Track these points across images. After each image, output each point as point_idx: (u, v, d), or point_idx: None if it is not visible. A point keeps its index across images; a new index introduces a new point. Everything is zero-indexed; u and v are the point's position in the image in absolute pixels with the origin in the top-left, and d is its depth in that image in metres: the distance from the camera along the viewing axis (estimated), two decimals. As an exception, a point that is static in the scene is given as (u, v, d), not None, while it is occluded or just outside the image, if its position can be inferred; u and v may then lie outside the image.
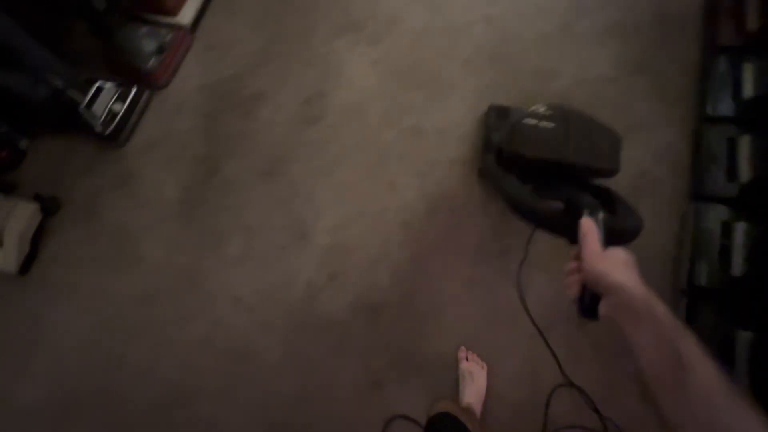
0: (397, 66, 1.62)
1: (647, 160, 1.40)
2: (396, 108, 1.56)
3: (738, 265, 1.14)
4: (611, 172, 0.90)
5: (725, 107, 1.34)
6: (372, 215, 1.42)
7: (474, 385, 1.20)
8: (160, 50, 1.63)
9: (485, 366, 1.24)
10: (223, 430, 1.25)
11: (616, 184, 1.38)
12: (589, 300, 0.47)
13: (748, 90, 1.31)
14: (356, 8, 1.73)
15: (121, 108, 1.54)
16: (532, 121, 0.80)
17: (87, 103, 1.50)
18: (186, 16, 1.70)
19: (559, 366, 1.23)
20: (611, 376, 1.22)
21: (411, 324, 1.29)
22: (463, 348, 1.24)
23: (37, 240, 1.45)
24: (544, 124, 0.80)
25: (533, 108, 0.86)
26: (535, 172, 0.82)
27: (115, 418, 1.27)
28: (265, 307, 1.35)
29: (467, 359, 1.23)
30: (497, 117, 1.41)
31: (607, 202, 0.80)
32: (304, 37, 1.71)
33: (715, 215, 1.22)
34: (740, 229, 1.17)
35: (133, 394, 1.29)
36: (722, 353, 1.09)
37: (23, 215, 1.41)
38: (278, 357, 1.30)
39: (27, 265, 1.42)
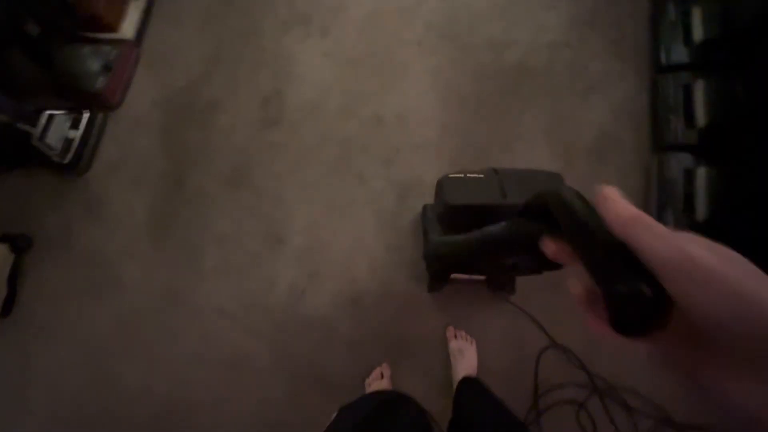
0: (349, 55, 1.60)
1: (607, 119, 1.41)
2: (353, 99, 1.54)
3: (702, 210, 1.16)
4: None
5: (678, 54, 1.35)
6: (343, 209, 1.42)
7: (465, 360, 1.23)
8: (107, 69, 1.58)
9: (474, 341, 1.27)
10: (225, 438, 1.28)
11: (580, 145, 1.40)
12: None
13: (697, 34, 1.31)
14: (301, 0, 1.69)
15: (77, 134, 1.51)
16: (458, 175, 0.72)
17: (40, 135, 1.47)
18: (128, 30, 1.65)
19: (544, 330, 1.26)
20: (593, 334, 1.26)
21: (395, 310, 1.31)
22: (450, 327, 1.27)
23: (14, 280, 1.43)
24: (472, 176, 0.71)
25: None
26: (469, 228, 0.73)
27: (118, 440, 1.30)
28: (249, 314, 1.37)
29: (456, 337, 1.26)
30: (434, 215, 1.30)
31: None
32: (252, 37, 1.67)
33: (677, 164, 1.24)
34: (701, 174, 1.19)
35: (131, 414, 1.31)
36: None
37: (-6, 257, 1.39)
38: (268, 361, 1.32)
39: (8, 306, 1.41)
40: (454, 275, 1.13)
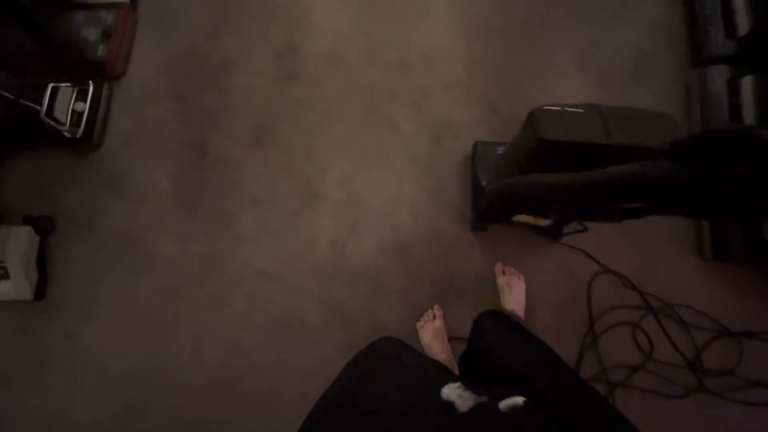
0: (364, -2, 1.51)
1: (642, 38, 1.36)
2: (374, 44, 1.47)
3: (750, 118, 1.14)
4: None
5: (712, -37, 1.29)
6: (377, 158, 1.38)
7: (513, 294, 1.23)
8: (106, 35, 1.48)
9: (522, 276, 1.26)
10: (283, 397, 1.28)
11: (615, 68, 1.36)
12: None
13: (733, -62, 1.25)
14: (304, -56, 1.58)
15: (85, 107, 1.42)
16: (554, 107, 0.63)
17: (47, 110, 1.38)
18: (122, -9, 1.53)
19: (593, 258, 1.26)
20: (642, 256, 1.26)
21: (442, 254, 1.30)
22: (499, 263, 1.26)
23: (44, 262, 1.38)
24: (570, 110, 0.62)
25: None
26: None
27: (176, 411, 1.29)
28: (294, 273, 1.34)
29: (504, 273, 1.25)
30: (485, 154, 1.20)
31: None
32: (257, -12, 1.57)
33: (720, 76, 1.21)
34: (747, 83, 1.16)
35: (186, 386, 1.30)
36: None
37: (20, 241, 1.33)
38: (319, 317, 1.31)
39: (41, 289, 1.36)
40: (516, 218, 1.07)
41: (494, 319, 0.83)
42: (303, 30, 1.50)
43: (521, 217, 1.03)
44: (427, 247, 1.32)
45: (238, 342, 1.32)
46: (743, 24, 1.19)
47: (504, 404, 0.38)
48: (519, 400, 0.37)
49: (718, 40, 1.23)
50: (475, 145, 1.25)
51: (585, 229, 1.17)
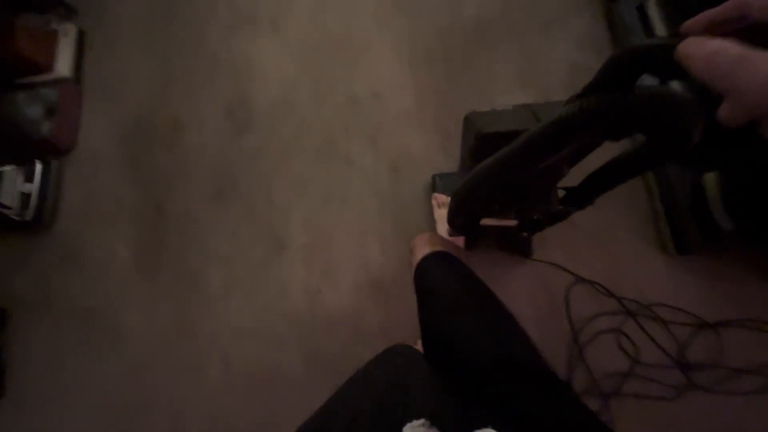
0: (306, 44, 1.54)
1: (572, 51, 1.42)
2: (322, 86, 1.49)
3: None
4: None
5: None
6: (339, 197, 1.37)
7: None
8: (51, 113, 1.45)
9: None
10: (275, 460, 1.21)
11: (554, 82, 1.41)
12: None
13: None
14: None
15: (33, 188, 1.38)
16: (485, 110, 0.68)
17: (-9, 195, 1.34)
18: (63, 67, 1.53)
19: (566, 270, 1.26)
20: (611, 261, 1.27)
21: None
22: (435, 195, 1.27)
23: (0, 356, 1.30)
24: (501, 109, 0.67)
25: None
26: None
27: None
28: (269, 327, 1.29)
29: (439, 206, 1.25)
30: (444, 184, 1.29)
31: None
32: (199, 47, 1.58)
33: (652, 83, 1.26)
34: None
35: (170, 465, 1.22)
36: (696, 197, 1.15)
37: (-29, 338, 1.25)
38: (302, 369, 1.26)
39: (-1, 386, 1.28)
40: (483, 221, 1.06)
41: (435, 260, 0.80)
42: (249, 81, 1.51)
43: (487, 220, 1.02)
44: (403, 280, 1.30)
45: (221, 408, 1.25)
46: (661, 33, 1.26)
47: None
48: None
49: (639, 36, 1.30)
50: (433, 177, 1.27)
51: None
